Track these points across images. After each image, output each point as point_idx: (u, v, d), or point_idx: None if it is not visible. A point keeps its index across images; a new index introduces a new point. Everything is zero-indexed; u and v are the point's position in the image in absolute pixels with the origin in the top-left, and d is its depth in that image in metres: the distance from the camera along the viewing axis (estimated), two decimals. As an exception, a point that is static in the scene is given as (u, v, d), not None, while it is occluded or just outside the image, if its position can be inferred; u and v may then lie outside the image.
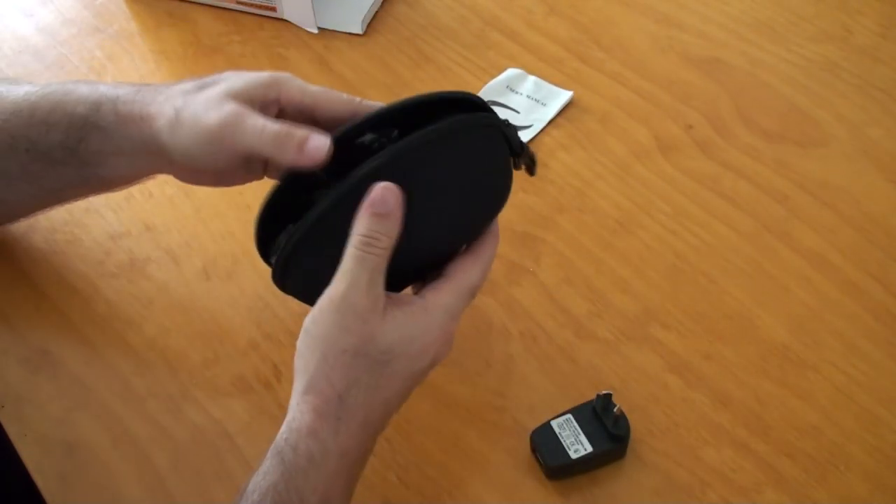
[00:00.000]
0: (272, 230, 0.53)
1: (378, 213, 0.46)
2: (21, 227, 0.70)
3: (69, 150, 0.57)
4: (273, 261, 0.51)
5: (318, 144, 0.49)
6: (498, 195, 0.53)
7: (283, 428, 0.47)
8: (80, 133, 0.56)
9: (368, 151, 0.50)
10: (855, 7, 0.86)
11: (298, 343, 0.48)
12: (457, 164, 0.50)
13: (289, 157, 0.50)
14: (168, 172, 0.58)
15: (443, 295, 0.50)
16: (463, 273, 0.51)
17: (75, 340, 0.64)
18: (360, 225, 0.46)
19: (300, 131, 0.50)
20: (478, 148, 0.51)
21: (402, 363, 0.48)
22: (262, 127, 0.50)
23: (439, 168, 0.49)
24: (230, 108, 0.51)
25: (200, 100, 0.52)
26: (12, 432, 0.59)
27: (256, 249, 0.54)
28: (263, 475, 0.45)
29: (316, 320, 0.47)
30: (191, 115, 0.52)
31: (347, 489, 0.48)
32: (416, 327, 0.48)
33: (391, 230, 0.47)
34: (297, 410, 0.47)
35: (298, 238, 0.48)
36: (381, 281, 0.47)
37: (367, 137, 0.52)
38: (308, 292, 0.51)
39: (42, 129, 0.57)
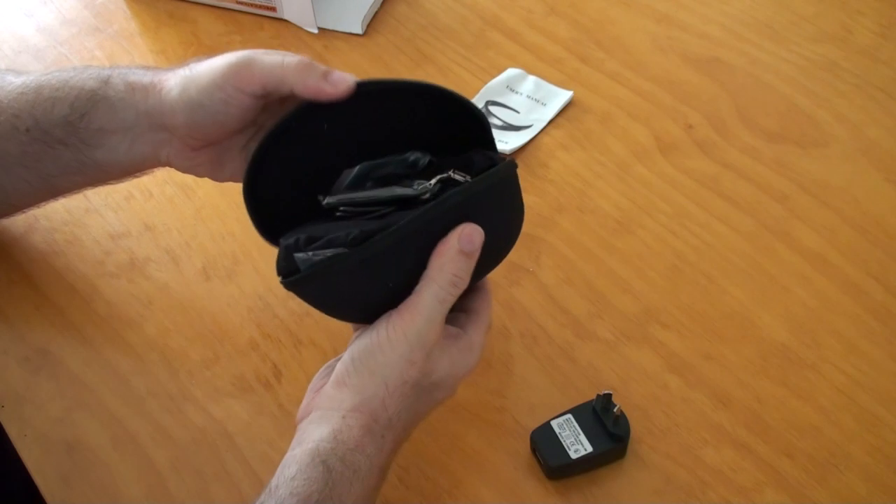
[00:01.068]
0: (265, 181, 0.54)
1: (465, 252, 0.48)
2: (21, 227, 0.70)
3: (71, 126, 0.57)
4: (298, 259, 0.51)
5: (345, 76, 0.51)
6: (514, 238, 0.55)
7: (326, 435, 0.46)
8: (86, 106, 0.56)
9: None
10: (855, 7, 0.86)
11: (354, 360, 0.49)
12: (505, 209, 0.52)
13: (312, 83, 0.51)
14: (165, 160, 0.58)
15: (481, 332, 0.52)
16: (487, 308, 0.54)
17: (75, 340, 0.64)
18: (450, 263, 0.48)
19: (322, 65, 0.52)
20: (516, 193, 0.53)
21: (442, 392, 0.51)
22: (281, 58, 0.52)
23: (494, 211, 0.51)
24: (246, 51, 0.53)
25: (213, 58, 0.54)
26: (12, 432, 0.59)
27: (244, 196, 0.55)
28: (305, 481, 0.45)
29: (384, 348, 0.48)
30: (204, 67, 0.53)
31: (374, 502, 0.49)
32: (462, 362, 0.51)
33: (471, 270, 0.48)
34: (345, 424, 0.47)
35: (355, 261, 0.48)
36: (444, 318, 0.49)
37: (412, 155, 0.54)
38: (329, 302, 0.52)
39: (48, 105, 0.57)
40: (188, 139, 0.56)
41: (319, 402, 0.49)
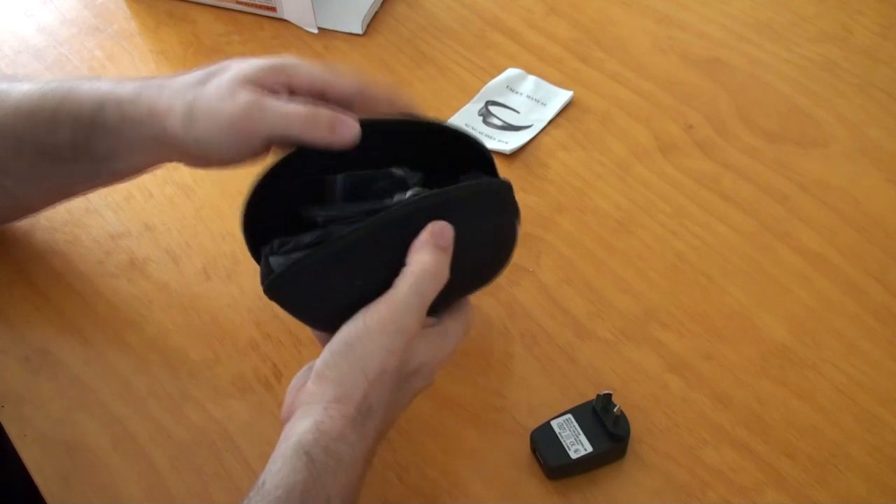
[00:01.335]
0: (261, 213, 0.54)
1: (440, 246, 0.48)
2: (21, 227, 0.70)
3: (78, 148, 0.57)
4: (272, 262, 0.51)
5: (350, 125, 0.51)
6: (500, 257, 0.55)
7: (308, 426, 0.46)
8: (87, 131, 0.56)
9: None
10: (855, 7, 0.86)
11: (334, 354, 0.49)
12: (486, 222, 0.52)
13: (320, 138, 0.51)
14: (180, 161, 0.58)
15: (458, 325, 0.53)
16: (468, 312, 0.54)
17: (75, 340, 0.64)
18: (426, 256, 0.48)
19: (326, 112, 0.51)
20: (504, 215, 0.53)
21: (419, 380, 0.51)
22: (286, 110, 0.51)
23: (473, 221, 0.51)
24: (246, 96, 0.51)
25: (211, 91, 0.52)
26: (12, 432, 0.59)
27: (242, 231, 0.55)
28: (290, 472, 0.45)
29: (362, 339, 0.48)
30: (205, 108, 0.52)
31: (360, 492, 0.49)
32: (436, 349, 0.51)
33: (447, 264, 0.49)
34: (326, 415, 0.47)
35: (325, 255, 0.48)
36: (425, 313, 0.49)
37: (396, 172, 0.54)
38: (297, 306, 0.53)
39: (49, 128, 0.57)
40: (201, 156, 0.56)
41: (301, 398, 0.49)
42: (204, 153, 0.54)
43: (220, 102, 0.52)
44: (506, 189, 0.53)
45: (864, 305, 0.64)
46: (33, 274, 0.68)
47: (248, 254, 0.69)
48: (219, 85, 0.52)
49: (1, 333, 0.65)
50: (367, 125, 0.52)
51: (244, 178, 0.77)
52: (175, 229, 0.71)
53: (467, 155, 0.56)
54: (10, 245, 0.69)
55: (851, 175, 0.72)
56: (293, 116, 0.51)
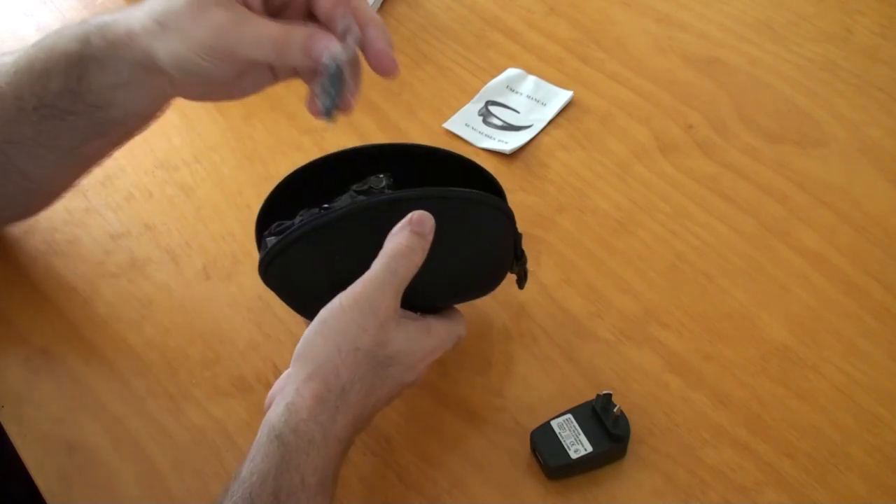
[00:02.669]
0: (272, 218, 0.56)
1: (416, 232, 0.50)
2: (21, 227, 0.70)
3: (73, 94, 0.55)
4: (268, 241, 0.53)
5: (324, 44, 0.49)
6: (489, 283, 0.58)
7: (280, 410, 0.47)
8: (78, 70, 0.54)
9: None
10: (855, 7, 0.86)
11: (309, 331, 0.50)
12: (476, 233, 0.54)
13: (295, 61, 0.50)
14: (175, 94, 0.56)
15: (443, 327, 0.54)
16: (458, 322, 0.56)
17: (75, 340, 0.64)
18: (401, 237, 0.50)
19: (300, 32, 0.49)
20: (496, 232, 0.55)
21: (398, 371, 0.51)
22: (257, 33, 0.49)
23: (461, 226, 0.53)
24: (217, 15, 0.49)
25: (180, 6, 0.50)
26: (12, 432, 0.59)
27: (255, 226, 0.57)
28: (263, 458, 0.46)
29: (335, 315, 0.49)
30: (176, 27, 0.50)
31: (336, 476, 0.49)
32: (417, 343, 0.52)
33: (424, 249, 0.50)
34: (297, 395, 0.47)
35: (308, 229, 0.50)
36: (400, 295, 0.50)
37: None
38: (287, 284, 0.54)
39: (44, 79, 0.55)
40: (188, 82, 0.54)
41: (280, 382, 0.50)
42: (189, 79, 0.52)
43: (190, 22, 0.49)
44: (498, 209, 0.54)
45: (864, 305, 0.64)
46: (33, 274, 0.68)
47: (248, 254, 0.69)
48: (190, 1, 0.49)
49: (1, 333, 0.65)
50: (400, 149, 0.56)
51: (245, 177, 0.77)
52: (175, 229, 0.71)
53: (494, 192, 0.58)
54: (10, 245, 0.69)
55: (851, 175, 0.72)
56: (265, 39, 0.49)
